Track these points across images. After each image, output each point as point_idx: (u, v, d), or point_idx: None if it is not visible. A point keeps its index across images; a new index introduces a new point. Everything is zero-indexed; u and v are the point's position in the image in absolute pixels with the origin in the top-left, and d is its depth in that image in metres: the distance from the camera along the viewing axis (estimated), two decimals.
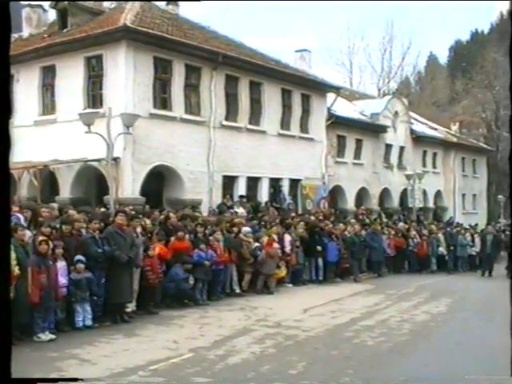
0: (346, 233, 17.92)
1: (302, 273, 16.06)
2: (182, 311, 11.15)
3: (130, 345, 8.46)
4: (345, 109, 26.23)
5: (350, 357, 8.03)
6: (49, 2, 19.77)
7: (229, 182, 19.17)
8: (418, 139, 30.65)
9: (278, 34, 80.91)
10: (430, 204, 31.90)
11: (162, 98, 17.17)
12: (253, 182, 20.18)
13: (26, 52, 17.97)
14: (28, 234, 9.10)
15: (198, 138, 17.94)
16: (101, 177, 16.13)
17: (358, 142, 26.25)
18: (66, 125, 16.80)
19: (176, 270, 11.59)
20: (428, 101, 52.74)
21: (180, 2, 20.87)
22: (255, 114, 20.20)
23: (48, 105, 18.19)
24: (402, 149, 29.42)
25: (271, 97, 20.69)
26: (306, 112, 22.56)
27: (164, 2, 20.76)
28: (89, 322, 9.40)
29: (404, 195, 28.67)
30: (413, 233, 21.53)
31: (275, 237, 14.90)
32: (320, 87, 23.42)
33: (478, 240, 22.77)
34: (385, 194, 28.18)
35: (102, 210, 13.10)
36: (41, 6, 21.19)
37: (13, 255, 7.64)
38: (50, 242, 8.85)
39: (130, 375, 6.84)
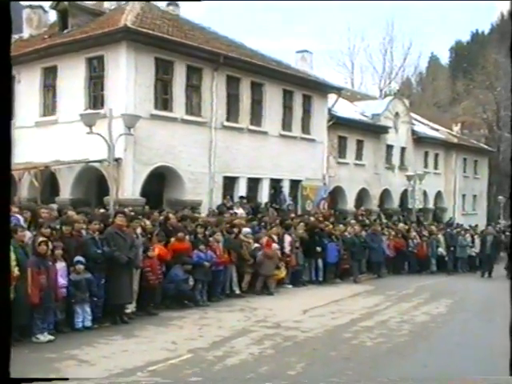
0: (346, 234, 17.92)
1: (301, 274, 16.05)
2: (181, 312, 11.15)
3: (128, 346, 8.48)
4: (346, 110, 26.22)
5: (349, 358, 8.05)
6: (49, 3, 19.80)
7: (229, 182, 19.19)
8: (419, 140, 30.61)
9: (278, 35, 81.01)
10: (430, 205, 31.88)
11: (163, 99, 17.19)
12: (253, 183, 20.19)
13: (27, 53, 18.01)
14: (28, 234, 9.12)
15: (199, 138, 17.96)
16: (101, 178, 16.15)
17: (359, 143, 26.23)
18: (67, 126, 16.85)
19: (176, 270, 11.60)
20: (429, 101, 52.75)
21: (180, 3, 20.95)
22: (256, 115, 20.21)
23: (49, 106, 18.23)
24: (403, 150, 29.41)
25: (272, 98, 20.70)
26: (307, 113, 22.56)
27: (164, 3, 20.79)
28: (88, 323, 9.41)
29: (404, 196, 28.65)
30: (413, 234, 21.52)
31: (275, 237, 14.92)
32: (321, 88, 23.41)
33: (477, 241, 22.76)
34: (385, 194, 28.17)
35: (102, 210, 13.12)
36: (41, 7, 21.21)
37: (12, 256, 7.66)
38: (50, 243, 8.87)
39: (128, 376, 6.85)
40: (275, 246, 14.64)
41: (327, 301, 13.28)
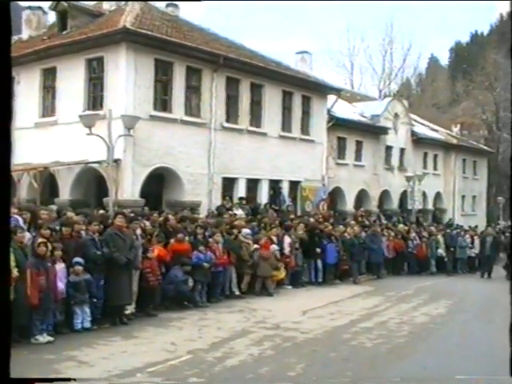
0: (346, 234, 17.91)
1: (301, 275, 16.04)
2: (181, 313, 11.14)
3: (128, 347, 8.47)
4: (345, 110, 26.24)
5: (348, 359, 8.04)
6: (49, 4, 19.80)
7: (229, 183, 19.19)
8: (418, 141, 30.63)
9: (278, 36, 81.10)
10: (430, 206, 31.89)
11: (162, 100, 17.20)
12: (253, 184, 20.19)
13: (27, 54, 18.03)
14: (27, 236, 9.11)
15: (199, 139, 17.97)
16: (100, 179, 16.15)
17: (359, 144, 26.25)
18: (66, 127, 16.86)
19: (175, 271, 11.59)
20: (429, 102, 52.77)
21: (180, 4, 20.89)
22: (256, 116, 20.22)
23: (48, 107, 18.24)
24: (402, 150, 29.42)
25: (272, 99, 20.71)
26: (306, 114, 22.57)
27: (164, 4, 20.78)
28: (87, 324, 9.39)
29: (404, 197, 28.66)
30: (412, 234, 21.52)
31: (274, 238, 14.92)
32: (321, 89, 23.42)
33: (477, 242, 22.76)
34: (384, 195, 28.18)
35: (101, 212, 13.12)
36: (40, 8, 21.20)
37: (12, 257, 7.65)
38: (49, 244, 8.87)
39: (127, 377, 6.86)
40: (274, 247, 14.64)
41: (327, 302, 13.27)
